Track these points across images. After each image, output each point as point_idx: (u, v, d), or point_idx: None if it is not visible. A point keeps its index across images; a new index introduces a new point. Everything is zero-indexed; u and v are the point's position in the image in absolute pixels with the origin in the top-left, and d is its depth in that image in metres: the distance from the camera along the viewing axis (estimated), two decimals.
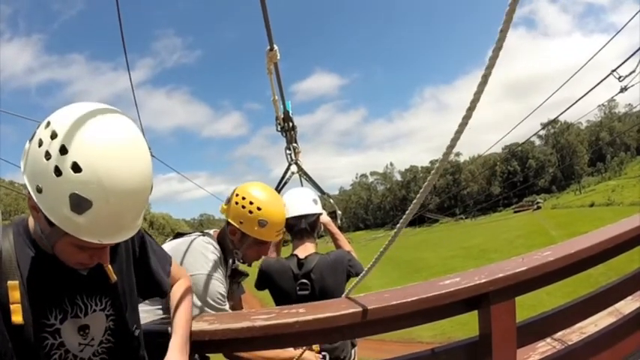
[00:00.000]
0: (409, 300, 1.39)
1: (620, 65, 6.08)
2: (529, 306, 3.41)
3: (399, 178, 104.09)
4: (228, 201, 1.93)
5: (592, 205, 50.16)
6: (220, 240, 1.95)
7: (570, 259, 1.69)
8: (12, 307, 0.90)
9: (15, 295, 0.90)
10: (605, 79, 6.26)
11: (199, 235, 1.91)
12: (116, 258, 1.14)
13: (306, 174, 3.73)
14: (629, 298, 1.93)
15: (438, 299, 1.42)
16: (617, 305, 1.92)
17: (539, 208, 62.50)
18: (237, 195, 1.89)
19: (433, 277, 1.78)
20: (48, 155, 0.87)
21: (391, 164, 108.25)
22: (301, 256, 2.31)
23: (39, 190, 0.89)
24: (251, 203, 1.85)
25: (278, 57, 2.93)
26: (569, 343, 1.74)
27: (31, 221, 1.03)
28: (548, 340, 1.76)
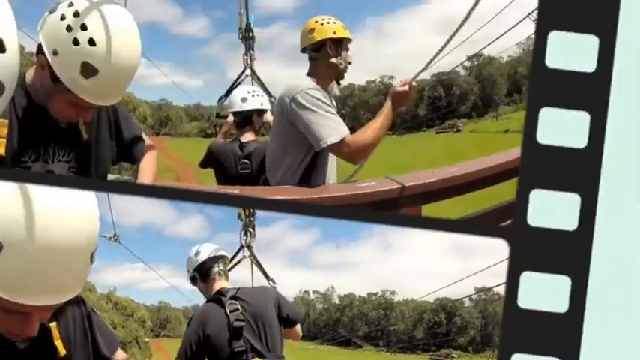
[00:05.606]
0: (324, 196, 1.47)
1: (536, 9, 6.32)
2: None
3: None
4: None
5: (507, 132, 54.70)
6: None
7: (475, 176, 1.88)
8: None
9: (3, 131, 1.03)
10: (521, 21, 6.49)
11: None
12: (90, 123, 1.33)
13: (258, 78, 3.95)
14: None
15: (354, 199, 1.54)
16: None
17: (459, 131, 67.10)
18: None
19: None
20: (69, 28, 1.06)
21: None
22: (243, 140, 2.51)
23: (55, 53, 1.08)
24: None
25: None
26: None
27: (28, 75, 1.22)
28: None
